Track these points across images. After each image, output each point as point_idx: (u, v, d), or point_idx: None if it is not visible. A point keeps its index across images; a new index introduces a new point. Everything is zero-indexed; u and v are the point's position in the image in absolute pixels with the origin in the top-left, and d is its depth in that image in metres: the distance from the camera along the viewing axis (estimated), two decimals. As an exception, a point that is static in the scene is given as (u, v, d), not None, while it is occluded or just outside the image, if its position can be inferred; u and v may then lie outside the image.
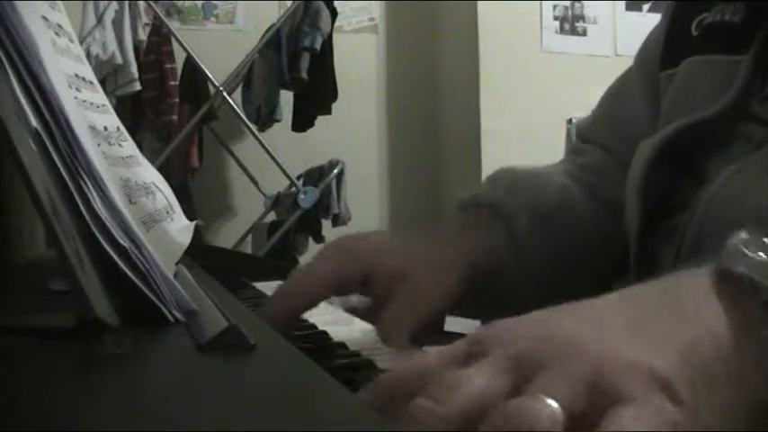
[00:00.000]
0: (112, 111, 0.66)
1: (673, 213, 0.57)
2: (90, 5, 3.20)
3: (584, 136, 0.78)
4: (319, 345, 0.57)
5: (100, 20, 3.19)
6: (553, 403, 0.28)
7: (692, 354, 0.31)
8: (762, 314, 0.32)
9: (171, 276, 0.50)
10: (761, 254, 0.33)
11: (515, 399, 0.28)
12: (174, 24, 3.50)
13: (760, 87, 0.55)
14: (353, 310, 0.66)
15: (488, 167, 3.44)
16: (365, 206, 3.84)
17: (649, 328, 0.32)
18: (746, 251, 0.33)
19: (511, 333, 0.33)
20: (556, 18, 3.66)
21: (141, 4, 3.35)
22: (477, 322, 0.65)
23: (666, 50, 0.65)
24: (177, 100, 3.35)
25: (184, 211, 0.82)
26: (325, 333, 0.62)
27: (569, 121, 3.55)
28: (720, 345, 0.31)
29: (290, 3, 3.41)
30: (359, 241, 0.61)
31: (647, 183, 0.59)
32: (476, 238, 0.62)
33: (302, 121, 3.50)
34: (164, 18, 3.32)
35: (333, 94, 3.47)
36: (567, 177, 0.70)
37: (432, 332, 0.60)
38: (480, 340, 0.33)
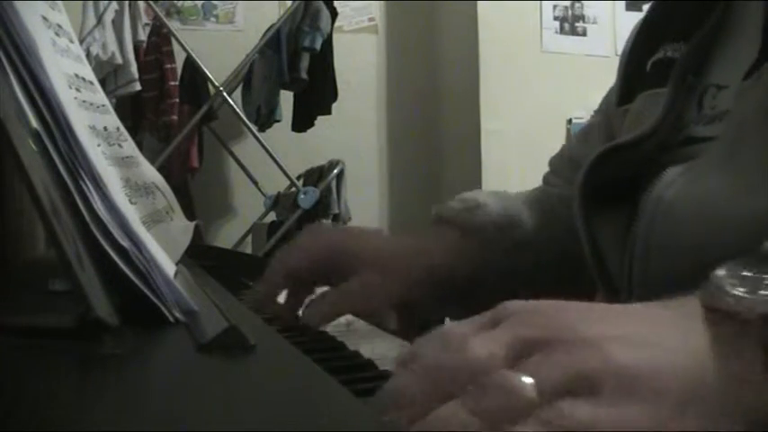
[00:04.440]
0: (112, 111, 0.66)
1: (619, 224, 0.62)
2: (90, 5, 3.20)
3: (552, 167, 0.85)
4: (319, 345, 0.57)
5: (100, 20, 3.19)
6: (528, 380, 0.29)
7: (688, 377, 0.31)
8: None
9: (171, 276, 0.50)
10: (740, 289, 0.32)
11: (500, 371, 0.30)
12: (173, 24, 3.50)
13: (697, 112, 0.60)
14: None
15: (488, 167, 3.46)
16: (365, 206, 3.84)
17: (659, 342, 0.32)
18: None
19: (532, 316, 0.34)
20: (556, 18, 3.66)
21: (141, 4, 3.35)
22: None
23: (624, 87, 0.71)
24: (177, 100, 3.35)
25: (184, 211, 0.82)
26: (324, 333, 0.62)
27: (569, 121, 3.54)
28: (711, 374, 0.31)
29: (289, 3, 3.41)
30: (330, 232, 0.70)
31: (586, 209, 0.64)
32: (441, 241, 0.72)
33: (302, 121, 3.50)
34: (164, 18, 3.32)
35: (333, 94, 3.47)
36: (526, 202, 0.78)
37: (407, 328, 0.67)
38: (501, 315, 0.34)
